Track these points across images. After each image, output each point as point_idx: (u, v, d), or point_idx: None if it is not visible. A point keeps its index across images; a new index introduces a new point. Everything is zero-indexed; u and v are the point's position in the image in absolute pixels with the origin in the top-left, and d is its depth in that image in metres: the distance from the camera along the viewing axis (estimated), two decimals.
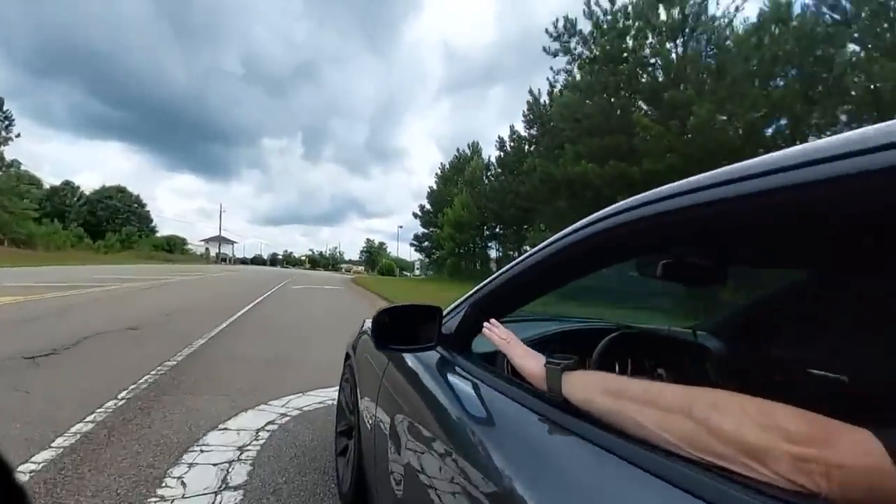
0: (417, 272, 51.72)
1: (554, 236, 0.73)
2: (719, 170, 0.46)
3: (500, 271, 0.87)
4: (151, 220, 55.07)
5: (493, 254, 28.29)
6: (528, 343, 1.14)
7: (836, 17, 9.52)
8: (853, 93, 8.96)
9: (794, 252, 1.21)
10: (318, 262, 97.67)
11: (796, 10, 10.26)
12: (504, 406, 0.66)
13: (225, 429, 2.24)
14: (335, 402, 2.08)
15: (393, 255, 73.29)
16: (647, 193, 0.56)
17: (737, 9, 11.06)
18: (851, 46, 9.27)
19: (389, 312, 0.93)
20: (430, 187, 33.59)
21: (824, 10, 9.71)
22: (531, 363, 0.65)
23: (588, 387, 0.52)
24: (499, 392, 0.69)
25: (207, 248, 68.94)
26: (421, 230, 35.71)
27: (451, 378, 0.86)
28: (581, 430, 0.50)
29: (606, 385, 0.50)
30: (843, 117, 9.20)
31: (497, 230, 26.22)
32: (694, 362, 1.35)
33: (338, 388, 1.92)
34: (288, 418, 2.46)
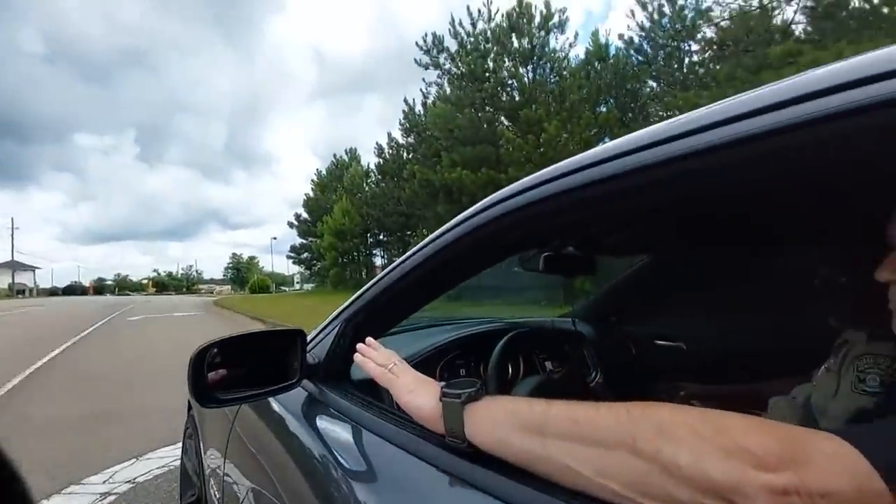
0: (297, 286, 47.39)
1: (434, 234, 0.62)
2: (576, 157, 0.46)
3: (377, 278, 0.71)
4: None
5: (378, 261, 27.80)
6: (419, 360, 1.00)
7: (640, 58, 12.26)
8: (653, 119, 11.62)
9: (642, 240, 1.37)
10: (166, 285, 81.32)
11: (612, 50, 12.87)
12: (391, 457, 0.49)
13: None
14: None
15: (267, 269, 65.58)
16: (514, 185, 0.52)
17: (570, 45, 13.27)
18: (651, 82, 12.04)
19: (222, 346, 0.66)
20: (306, 195, 31.15)
21: (632, 52, 12.42)
22: (422, 399, 0.48)
23: (499, 423, 0.39)
24: (384, 438, 0.52)
25: None
26: (299, 241, 32.88)
27: (322, 423, 0.66)
28: (494, 487, 0.36)
29: (522, 417, 0.38)
30: None
31: (381, 237, 25.82)
32: (574, 350, 1.42)
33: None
34: (113, 498, 1.82)
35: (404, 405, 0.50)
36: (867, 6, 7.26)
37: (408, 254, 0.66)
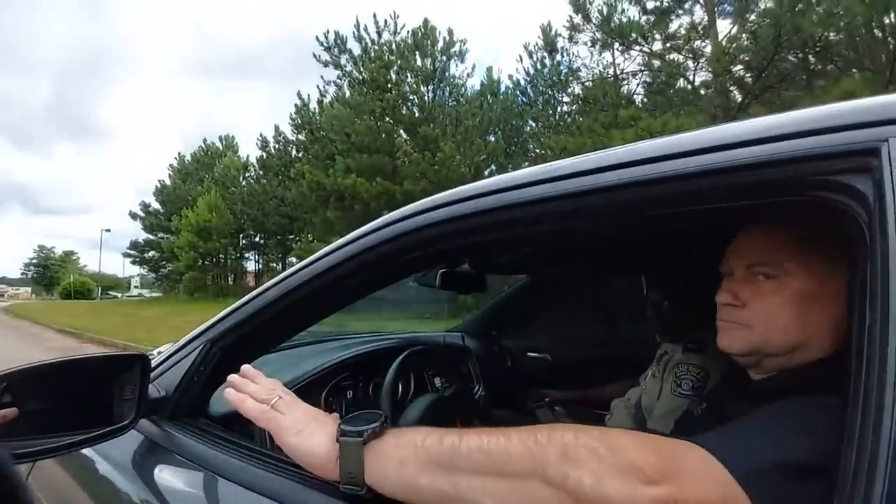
0: (136, 291, 38.77)
1: (328, 248, 0.57)
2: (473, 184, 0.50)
3: (257, 291, 0.60)
4: None
5: (251, 266, 24.78)
6: (301, 385, 0.88)
7: (524, 99, 13.93)
8: (531, 154, 13.23)
9: (523, 262, 1.51)
10: None
11: (503, 88, 14.35)
12: None
13: None
14: None
15: (92, 269, 52.01)
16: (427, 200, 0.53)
17: (468, 75, 14.30)
18: (532, 122, 13.75)
19: (18, 380, 0.46)
20: (160, 181, 26.01)
21: (518, 92, 14.05)
22: (314, 440, 0.39)
23: (406, 463, 0.35)
24: (254, 490, 0.42)
25: None
26: (143, 236, 27.07)
27: (164, 475, 0.51)
28: None
29: (431, 453, 0.34)
30: None
31: (257, 239, 23.16)
32: (462, 365, 1.47)
33: None
34: None
35: (291, 450, 0.41)
36: (689, 87, 9.67)
37: (296, 267, 0.59)
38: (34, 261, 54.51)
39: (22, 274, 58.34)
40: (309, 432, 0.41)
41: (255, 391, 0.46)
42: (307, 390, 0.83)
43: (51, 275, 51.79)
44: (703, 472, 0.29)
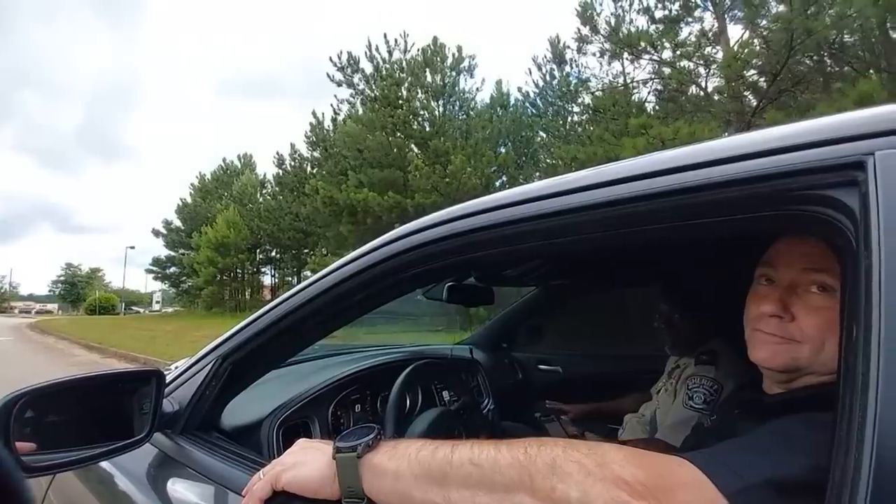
0: (157, 306, 39.78)
1: (337, 263, 0.59)
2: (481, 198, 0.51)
3: (266, 308, 0.62)
4: None
5: (267, 280, 25.25)
6: (310, 398, 0.89)
7: (534, 110, 14.05)
8: (542, 165, 13.24)
9: (533, 274, 1.50)
10: None
11: (512, 100, 14.51)
12: None
13: None
14: None
15: (116, 285, 53.58)
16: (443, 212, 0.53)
17: (477, 89, 14.51)
18: (542, 133, 13.83)
19: (40, 395, 0.49)
20: (181, 200, 26.94)
21: (527, 104, 14.17)
22: (309, 466, 0.40)
23: (400, 475, 0.36)
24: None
25: None
26: (165, 253, 27.93)
27: (177, 487, 0.53)
28: None
29: (424, 465, 0.35)
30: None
31: (273, 254, 23.64)
32: (471, 379, 1.46)
33: None
34: None
35: (290, 485, 0.40)
36: (702, 93, 9.58)
37: (304, 283, 0.61)
38: (61, 278, 56.50)
39: (49, 291, 60.53)
40: (303, 461, 0.41)
41: (254, 480, 0.43)
42: (315, 404, 0.85)
43: (77, 291, 53.48)
44: (690, 488, 0.29)
